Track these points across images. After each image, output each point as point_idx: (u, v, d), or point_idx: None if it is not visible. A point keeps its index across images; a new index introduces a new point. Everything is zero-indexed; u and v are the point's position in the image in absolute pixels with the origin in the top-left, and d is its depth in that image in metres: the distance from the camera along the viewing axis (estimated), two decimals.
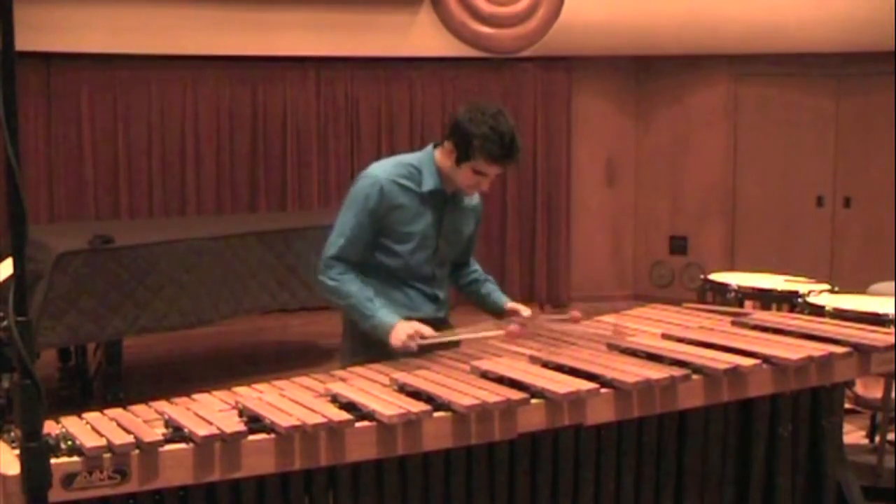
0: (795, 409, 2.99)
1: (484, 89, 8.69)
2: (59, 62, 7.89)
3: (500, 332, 3.04)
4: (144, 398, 2.53)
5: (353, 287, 3.03)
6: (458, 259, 3.33)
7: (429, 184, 3.08)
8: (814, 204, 8.65)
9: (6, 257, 4.46)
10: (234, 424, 2.26)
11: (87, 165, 8.10)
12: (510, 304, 3.27)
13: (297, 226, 6.29)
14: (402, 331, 2.94)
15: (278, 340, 7.56)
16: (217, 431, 2.19)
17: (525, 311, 3.22)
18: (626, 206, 9.19)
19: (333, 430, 2.28)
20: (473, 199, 3.27)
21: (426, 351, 2.96)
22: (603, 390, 2.59)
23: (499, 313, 3.30)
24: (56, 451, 2.08)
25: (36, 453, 1.93)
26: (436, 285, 3.19)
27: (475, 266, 3.40)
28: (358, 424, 2.31)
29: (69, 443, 2.12)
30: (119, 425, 2.25)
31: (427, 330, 2.97)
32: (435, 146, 3.13)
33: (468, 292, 3.36)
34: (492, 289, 3.35)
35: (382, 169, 3.10)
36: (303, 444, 2.25)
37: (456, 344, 3.09)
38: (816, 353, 2.91)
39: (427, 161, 3.10)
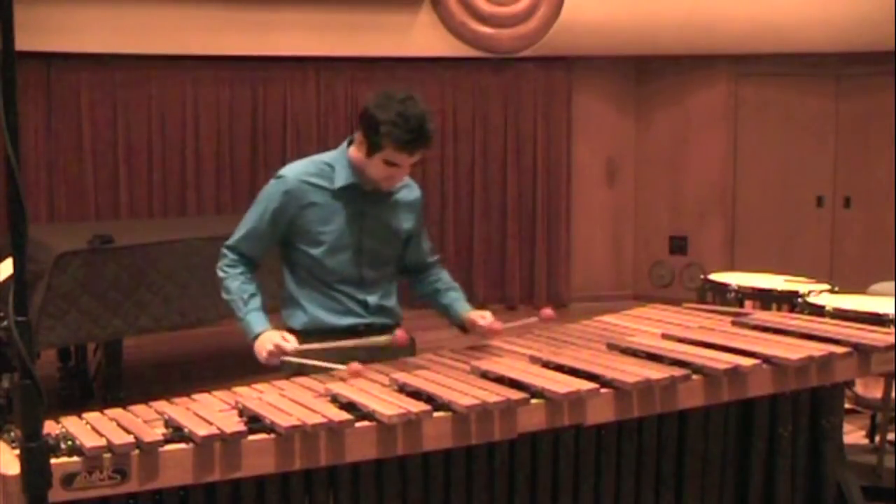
0: (795, 409, 2.99)
1: (484, 89, 8.70)
2: (59, 62, 7.90)
3: (387, 338, 2.87)
4: (144, 398, 2.53)
5: (234, 283, 2.95)
6: (413, 262, 3.18)
7: (341, 179, 2.95)
8: (814, 204, 8.65)
9: (6, 257, 4.46)
10: (234, 424, 2.25)
11: (87, 165, 8.10)
12: (469, 314, 3.10)
13: None
14: (267, 341, 2.84)
15: None
16: (217, 431, 2.19)
17: (485, 318, 3.07)
18: (626, 206, 9.19)
19: (333, 430, 2.28)
20: (412, 192, 3.12)
21: (292, 367, 2.82)
22: (603, 390, 2.59)
23: (460, 324, 3.15)
24: (56, 451, 2.08)
25: (36, 453, 1.93)
26: (366, 289, 3.01)
27: (439, 274, 3.22)
28: (358, 424, 2.31)
29: (69, 443, 2.12)
30: (119, 425, 2.25)
31: (290, 346, 2.82)
32: (349, 143, 3.01)
33: (430, 302, 3.20)
34: (454, 298, 3.17)
35: (293, 169, 3.02)
36: (303, 444, 2.25)
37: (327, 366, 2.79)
38: (816, 353, 2.91)
39: (340, 157, 2.99)
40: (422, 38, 8.37)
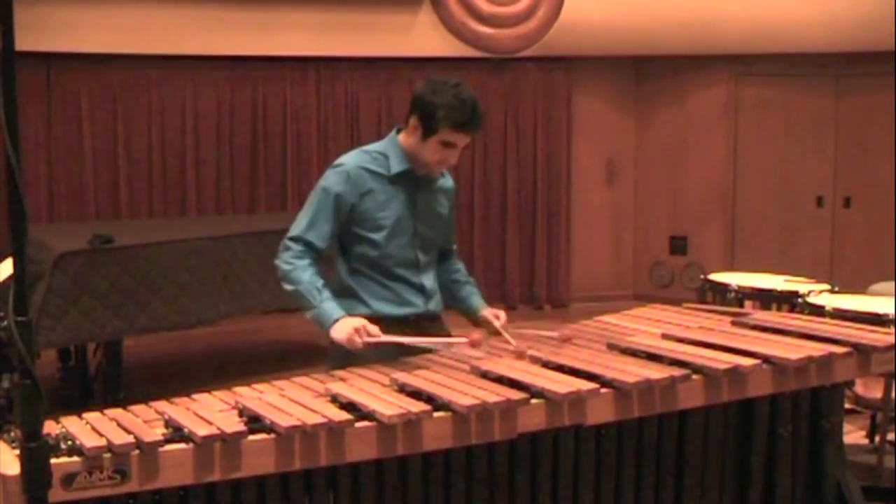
0: (795, 409, 2.99)
1: (484, 89, 8.69)
2: (59, 62, 7.90)
3: (462, 340, 2.93)
4: (144, 398, 2.53)
5: (304, 274, 2.97)
6: (441, 246, 3.28)
7: (396, 166, 3.06)
8: (814, 204, 8.65)
9: (6, 257, 4.46)
10: (234, 424, 2.25)
11: (87, 165, 8.10)
12: (485, 311, 3.21)
13: None
14: (349, 324, 2.87)
15: (278, 340, 7.55)
16: (217, 431, 2.19)
17: (498, 319, 3.15)
18: (626, 206, 9.19)
19: (333, 430, 2.27)
20: (447, 181, 3.25)
21: (381, 352, 2.88)
22: (603, 390, 2.59)
23: (473, 318, 3.25)
24: (56, 451, 2.08)
25: (36, 453, 1.93)
26: (422, 273, 3.14)
27: (458, 265, 3.37)
28: (358, 424, 2.31)
29: (69, 443, 2.12)
30: (119, 425, 2.25)
31: (375, 329, 2.88)
32: (398, 131, 3.12)
33: (448, 292, 3.30)
34: (471, 292, 3.31)
35: (349, 158, 3.10)
36: (303, 444, 2.25)
37: (420, 349, 2.95)
38: (816, 353, 2.91)
39: (392, 145, 3.10)
40: (422, 38, 8.37)
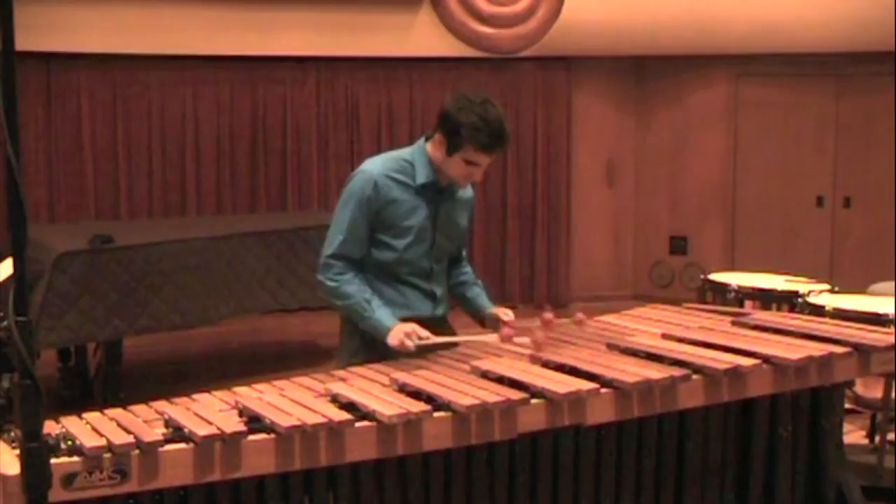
0: (795, 409, 2.99)
1: (484, 89, 8.61)
2: (59, 62, 7.90)
3: (496, 336, 3.05)
4: (144, 398, 2.53)
5: (352, 288, 3.02)
6: (452, 254, 3.31)
7: (422, 177, 3.07)
8: (814, 204, 8.65)
9: (6, 257, 4.46)
10: (234, 424, 2.26)
11: (87, 165, 8.10)
12: (492, 310, 3.24)
13: (297, 226, 6.29)
14: (401, 330, 2.94)
15: (278, 340, 7.55)
16: (217, 431, 2.19)
17: (508, 315, 3.18)
18: (626, 206, 9.19)
19: (333, 430, 2.28)
20: (466, 192, 3.26)
21: (424, 351, 2.95)
22: (603, 390, 2.59)
23: (479, 318, 3.29)
24: (56, 451, 2.08)
25: (36, 453, 1.93)
26: (433, 281, 3.18)
27: (467, 267, 3.39)
28: (358, 424, 2.32)
29: (69, 443, 2.12)
30: (119, 425, 2.25)
31: (424, 332, 2.95)
32: (426, 139, 3.12)
33: (455, 293, 3.34)
34: (478, 292, 3.33)
35: (375, 164, 3.10)
36: (303, 444, 2.25)
37: (454, 345, 3.09)
38: (816, 353, 2.91)
39: (419, 154, 3.10)
40: (422, 38, 8.37)
